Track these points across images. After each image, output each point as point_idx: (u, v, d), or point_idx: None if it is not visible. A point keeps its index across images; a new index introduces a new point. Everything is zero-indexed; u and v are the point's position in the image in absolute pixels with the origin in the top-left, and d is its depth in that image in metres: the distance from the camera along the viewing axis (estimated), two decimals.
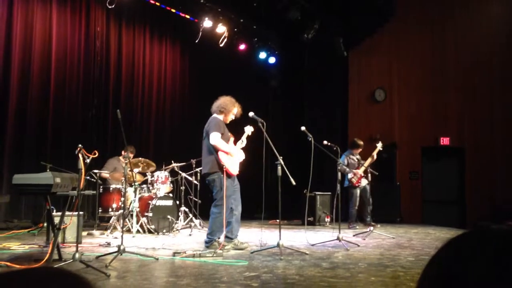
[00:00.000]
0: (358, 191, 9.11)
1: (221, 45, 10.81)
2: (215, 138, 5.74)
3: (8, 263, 4.49)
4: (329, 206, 9.75)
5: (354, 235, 7.55)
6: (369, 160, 8.84)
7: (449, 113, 12.23)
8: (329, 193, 9.77)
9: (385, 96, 12.33)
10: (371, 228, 7.85)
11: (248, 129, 6.13)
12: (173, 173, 8.36)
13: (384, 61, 12.40)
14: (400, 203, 11.06)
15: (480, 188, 11.88)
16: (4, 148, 7.75)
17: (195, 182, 8.51)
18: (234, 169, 5.91)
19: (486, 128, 12.16)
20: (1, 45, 7.78)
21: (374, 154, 8.87)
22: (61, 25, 8.73)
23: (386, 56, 12.38)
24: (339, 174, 6.90)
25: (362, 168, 8.94)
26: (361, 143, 9.34)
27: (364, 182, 9.07)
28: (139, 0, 9.74)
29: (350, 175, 9.08)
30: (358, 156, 9.27)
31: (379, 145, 8.90)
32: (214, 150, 5.78)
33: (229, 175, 5.81)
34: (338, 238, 6.47)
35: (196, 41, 10.38)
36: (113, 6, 8.86)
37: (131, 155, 5.93)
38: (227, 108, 6.00)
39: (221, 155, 5.77)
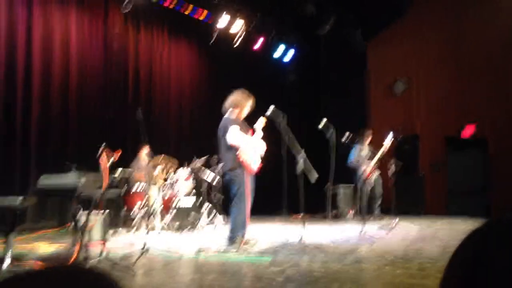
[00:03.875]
0: (367, 185, 8.89)
1: (237, 43, 10.81)
2: (232, 137, 5.65)
3: (38, 263, 4.58)
4: (352, 200, 9.70)
5: (378, 228, 7.48)
6: (381, 150, 8.67)
7: (472, 102, 12.01)
8: (352, 184, 9.68)
9: (405, 87, 12.19)
10: (396, 220, 7.77)
11: (260, 122, 5.94)
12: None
13: (404, 51, 12.23)
14: (424, 194, 10.92)
15: (506, 178, 11.65)
16: (29, 150, 7.89)
17: (217, 179, 8.54)
18: (255, 165, 5.87)
19: (510, 117, 11.91)
20: (21, 49, 7.92)
21: (385, 143, 8.67)
22: (79, 28, 8.83)
23: (405, 46, 12.21)
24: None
25: (374, 161, 8.78)
26: (368, 132, 9.33)
27: (374, 176, 8.96)
28: (155, 4, 9.78)
29: (361, 169, 8.92)
30: (370, 148, 9.15)
31: (389, 136, 8.70)
32: (234, 147, 5.74)
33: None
34: (362, 232, 6.43)
35: (213, 40, 10.40)
36: (128, 10, 8.96)
37: (148, 149, 5.94)
38: (241, 103, 5.90)
39: (241, 151, 5.74)
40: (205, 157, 8.39)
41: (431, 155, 11.88)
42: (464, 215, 9.89)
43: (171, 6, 10.13)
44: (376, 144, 9.28)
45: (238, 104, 5.92)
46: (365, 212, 8.87)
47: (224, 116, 5.93)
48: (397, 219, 7.79)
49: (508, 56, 11.95)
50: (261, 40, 11.70)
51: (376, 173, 8.96)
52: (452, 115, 11.96)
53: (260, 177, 6.26)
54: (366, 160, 8.95)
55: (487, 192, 11.92)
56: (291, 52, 12.55)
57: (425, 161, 11.73)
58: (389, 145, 8.69)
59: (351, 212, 9.76)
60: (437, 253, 5.18)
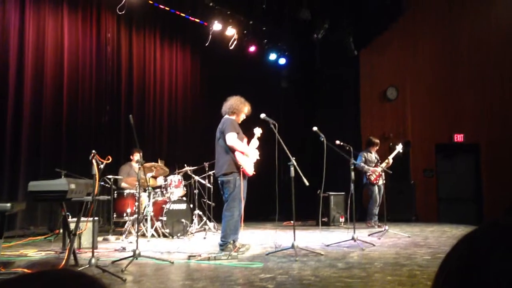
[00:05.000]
0: (376, 188, 8.97)
1: (231, 48, 10.83)
2: (232, 138, 5.68)
3: (26, 270, 4.53)
4: (343, 206, 9.71)
5: (369, 235, 7.50)
6: (384, 164, 8.74)
7: (462, 109, 12.11)
8: (343, 193, 9.72)
9: (397, 94, 12.26)
10: (386, 227, 7.78)
11: (257, 131, 6.12)
12: (186, 176, 8.38)
13: (396, 58, 12.32)
14: (415, 201, 10.96)
15: (496, 184, 11.73)
16: (19, 156, 7.83)
17: (208, 185, 8.53)
18: (250, 170, 5.89)
19: (501, 124, 12.02)
20: (14, 53, 7.87)
21: (390, 158, 8.76)
22: (72, 32, 8.81)
23: (397, 53, 12.31)
24: (353, 173, 6.85)
25: (380, 168, 8.82)
26: (377, 141, 9.34)
27: (381, 181, 8.95)
28: (149, 5, 9.79)
29: (368, 173, 8.98)
30: (376, 155, 9.21)
31: (399, 147, 8.79)
32: (231, 150, 5.76)
33: (244, 176, 5.79)
34: (353, 238, 6.44)
35: (206, 44, 10.41)
36: (123, 12, 8.92)
37: (139, 155, 5.89)
38: (239, 108, 5.97)
39: (238, 155, 5.73)
40: (196, 167, 8.38)
41: (422, 162, 11.94)
42: (456, 222, 9.94)
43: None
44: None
45: (236, 110, 5.96)
46: (375, 216, 8.85)
47: (225, 117, 5.96)
48: (386, 226, 7.80)
49: (499, 64, 12.08)
50: (253, 48, 11.71)
51: (382, 180, 8.92)
52: (444, 122, 12.05)
53: (253, 183, 6.26)
54: (373, 166, 9.00)
55: (479, 199, 12.00)
56: (283, 60, 12.59)
57: (417, 167, 11.78)
58: (397, 154, 8.73)
59: (343, 218, 9.76)
60: (427, 260, 5.19)
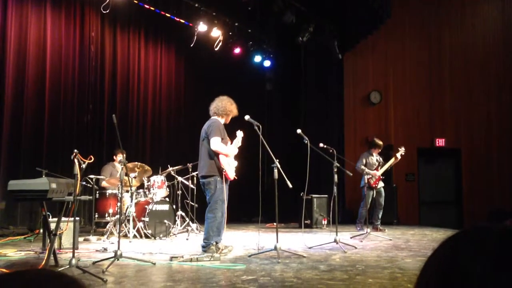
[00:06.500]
0: (372, 192, 8.64)
1: (216, 49, 10.82)
2: (216, 144, 5.66)
3: (5, 270, 4.46)
4: (326, 209, 9.75)
5: (351, 237, 7.54)
6: (391, 161, 8.65)
7: (444, 114, 12.27)
8: (326, 195, 9.76)
9: (380, 98, 12.35)
10: (368, 230, 7.83)
11: (239, 134, 6.04)
12: (169, 177, 8.34)
13: (380, 63, 12.42)
14: (396, 204, 11.05)
15: (476, 189, 11.91)
16: None
17: (192, 186, 8.49)
18: (232, 174, 5.88)
19: (482, 129, 12.21)
20: None
21: (399, 155, 8.61)
22: (55, 30, 8.72)
23: (381, 58, 12.41)
24: (336, 176, 6.86)
25: (382, 170, 8.72)
26: (380, 142, 9.01)
27: (380, 185, 8.74)
28: (133, 5, 9.74)
29: (367, 176, 8.68)
30: (378, 157, 8.95)
31: (402, 150, 8.71)
32: (215, 154, 5.74)
33: (226, 179, 5.78)
34: (335, 241, 6.47)
35: (191, 45, 10.39)
36: (107, 11, 8.85)
37: (122, 155, 5.85)
38: (229, 109, 5.94)
39: (221, 158, 5.71)
40: (179, 166, 8.33)
41: (404, 165, 12.04)
42: (436, 226, 10.05)
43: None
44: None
45: (225, 112, 5.92)
46: (364, 218, 8.64)
47: (212, 118, 5.92)
48: (368, 229, 7.84)
49: (482, 70, 12.27)
50: (238, 49, 11.71)
51: (381, 184, 8.81)
52: (426, 127, 12.18)
53: (236, 185, 6.25)
54: (374, 169, 8.75)
55: (459, 203, 12.16)
56: (268, 62, 12.61)
57: (399, 171, 11.88)
58: (399, 158, 8.67)
59: (325, 220, 9.80)
60: (408, 263, 5.24)
